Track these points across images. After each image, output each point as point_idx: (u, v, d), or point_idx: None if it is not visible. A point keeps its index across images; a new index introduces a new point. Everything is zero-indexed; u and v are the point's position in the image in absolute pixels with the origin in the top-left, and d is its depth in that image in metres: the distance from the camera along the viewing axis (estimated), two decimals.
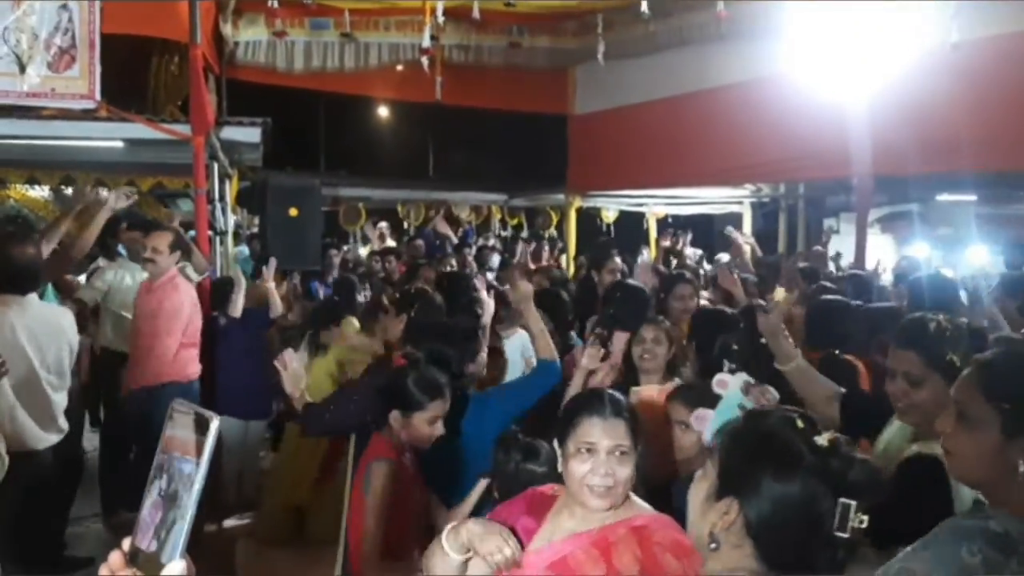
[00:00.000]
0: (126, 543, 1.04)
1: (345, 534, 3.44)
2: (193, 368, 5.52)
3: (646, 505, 2.19)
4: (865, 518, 1.42)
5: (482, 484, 3.00)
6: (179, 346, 5.41)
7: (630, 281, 5.10)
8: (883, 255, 8.86)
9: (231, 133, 7.01)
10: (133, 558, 1.02)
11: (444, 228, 11.53)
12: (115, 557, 1.02)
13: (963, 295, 5.04)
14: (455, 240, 11.53)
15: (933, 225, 10.86)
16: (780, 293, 6.13)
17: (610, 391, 2.31)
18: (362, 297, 7.08)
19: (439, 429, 3.12)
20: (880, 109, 7.00)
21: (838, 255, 9.46)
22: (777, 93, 7.70)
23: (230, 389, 5.98)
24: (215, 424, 1.01)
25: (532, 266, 9.57)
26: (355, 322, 5.94)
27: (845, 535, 1.41)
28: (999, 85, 6.49)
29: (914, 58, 6.73)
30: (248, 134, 7.11)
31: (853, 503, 1.42)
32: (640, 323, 3.82)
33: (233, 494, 6.21)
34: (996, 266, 8.64)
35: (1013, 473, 1.66)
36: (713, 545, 1.51)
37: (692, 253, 10.65)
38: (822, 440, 1.48)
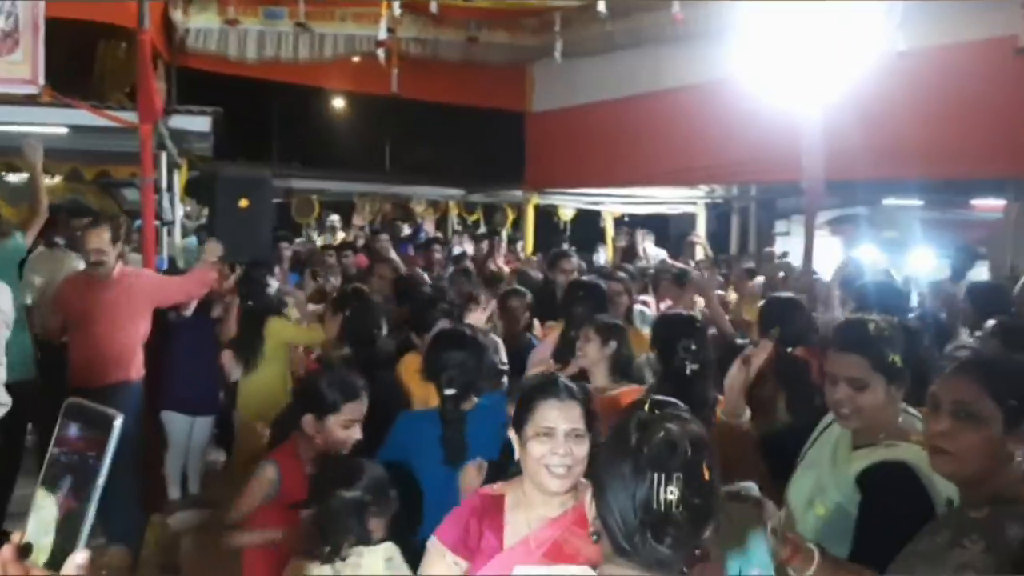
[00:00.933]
0: (16, 537, 1.04)
1: None
2: (141, 365, 5.40)
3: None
4: (676, 492, 1.45)
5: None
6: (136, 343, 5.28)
7: (587, 279, 5.11)
8: (832, 257, 8.99)
9: (180, 122, 6.89)
10: (25, 553, 1.03)
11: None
12: (5, 552, 1.03)
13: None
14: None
15: (880, 228, 11.07)
16: (732, 296, 6.22)
17: (563, 377, 2.33)
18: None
19: (356, 434, 3.05)
20: (831, 114, 7.09)
21: (784, 255, 9.62)
22: (731, 96, 7.77)
23: (177, 385, 5.90)
24: (118, 422, 1.01)
25: (502, 265, 9.44)
26: (288, 316, 5.88)
27: (660, 510, 1.45)
28: (945, 94, 6.63)
29: (864, 65, 6.83)
30: (198, 123, 6.99)
31: (661, 474, 1.46)
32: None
33: (179, 490, 6.12)
34: (941, 270, 8.81)
35: (1008, 463, 1.78)
36: (594, 538, 1.59)
37: (655, 254, 10.70)
38: (652, 415, 1.54)
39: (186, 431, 6.08)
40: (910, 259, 9.75)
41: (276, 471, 3.05)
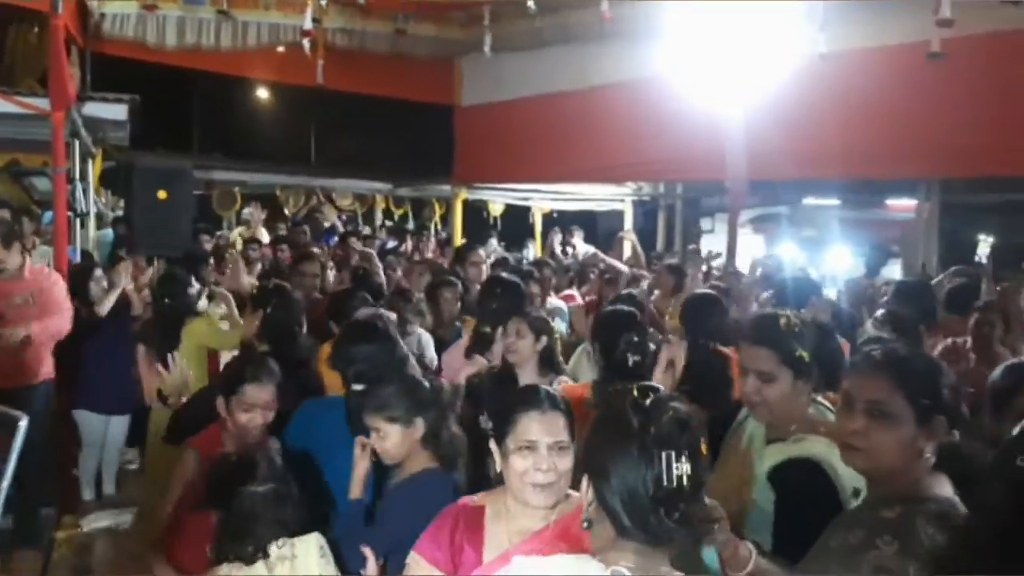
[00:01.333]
0: None
1: None
2: (51, 366, 5.19)
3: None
4: (689, 467, 1.50)
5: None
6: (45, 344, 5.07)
7: (504, 275, 5.10)
8: (754, 254, 9.19)
9: (95, 109, 6.69)
10: None
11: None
12: None
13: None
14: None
15: (800, 227, 11.36)
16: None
17: (544, 387, 2.30)
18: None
19: (257, 419, 2.99)
20: (754, 115, 7.25)
21: (710, 254, 9.79)
22: (657, 95, 7.87)
23: (91, 384, 5.71)
24: (23, 424, 0.96)
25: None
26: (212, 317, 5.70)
27: (672, 486, 1.49)
28: (862, 97, 6.82)
29: (786, 67, 6.99)
30: (113, 111, 6.80)
31: (671, 451, 1.51)
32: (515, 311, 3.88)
33: (92, 491, 5.94)
34: (857, 267, 9.08)
35: (919, 459, 1.83)
36: (585, 524, 1.61)
37: (584, 251, 10.76)
38: (647, 401, 1.58)
39: (100, 431, 5.90)
40: (828, 257, 10.03)
41: (196, 458, 3.00)
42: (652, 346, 3.47)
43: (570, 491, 2.16)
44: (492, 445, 2.21)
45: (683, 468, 1.50)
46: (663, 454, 1.51)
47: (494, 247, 10.78)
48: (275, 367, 3.11)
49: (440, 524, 2.19)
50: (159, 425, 5.34)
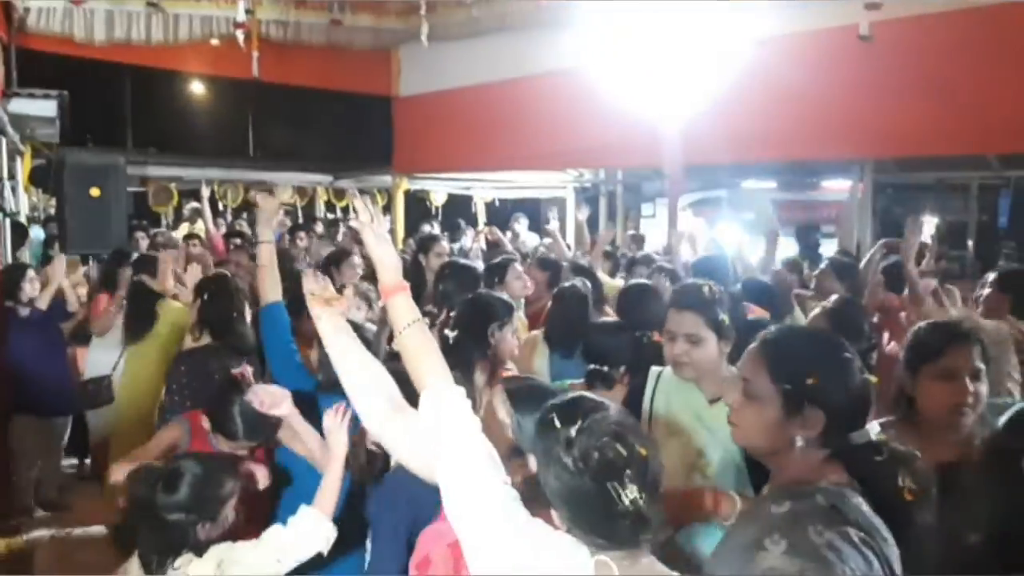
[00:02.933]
0: None
1: None
2: None
3: None
4: (635, 488, 1.55)
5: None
6: None
7: (460, 260, 5.13)
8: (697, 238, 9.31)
9: (22, 106, 6.52)
10: None
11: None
12: None
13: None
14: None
15: (739, 210, 11.53)
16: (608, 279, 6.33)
17: None
18: None
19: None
20: (689, 101, 7.34)
21: (639, 236, 9.95)
22: (595, 82, 7.91)
23: (29, 386, 5.56)
24: None
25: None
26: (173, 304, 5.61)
27: (629, 508, 1.55)
28: (795, 80, 6.94)
29: (722, 52, 7.09)
30: (42, 107, 6.63)
31: (615, 482, 1.55)
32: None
33: (32, 496, 5.80)
34: (791, 248, 9.25)
35: (791, 447, 1.77)
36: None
37: (528, 239, 10.77)
38: (573, 431, 1.62)
39: (41, 434, 5.77)
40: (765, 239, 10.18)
41: (187, 427, 3.05)
42: None
43: None
44: None
45: (632, 491, 1.55)
46: (610, 486, 1.55)
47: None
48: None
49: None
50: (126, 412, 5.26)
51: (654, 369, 2.95)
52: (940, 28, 6.40)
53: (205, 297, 4.19)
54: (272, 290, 3.43)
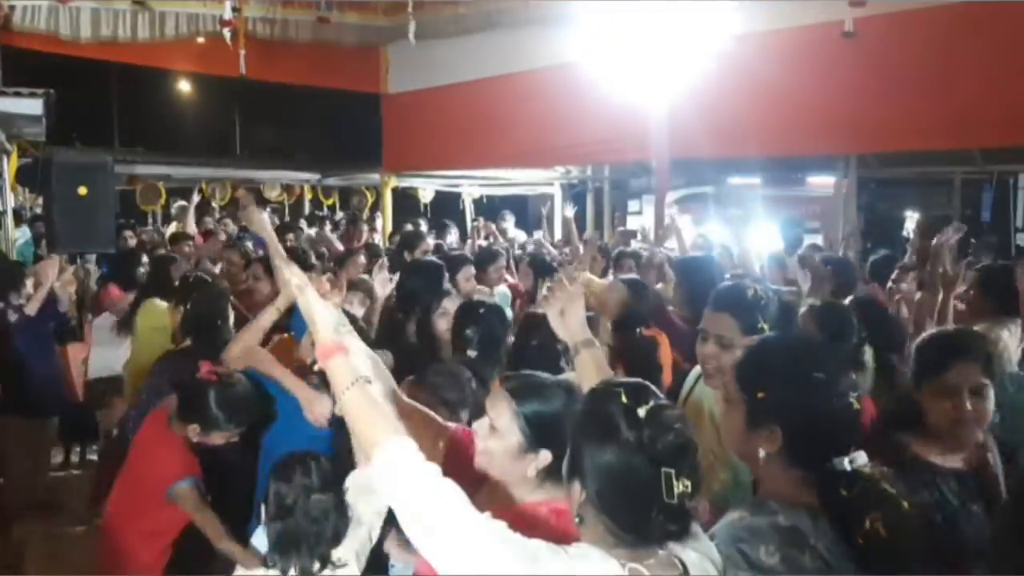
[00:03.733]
0: None
1: None
2: None
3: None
4: (690, 483, 1.50)
5: None
6: None
7: (428, 258, 5.16)
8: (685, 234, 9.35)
9: (8, 105, 6.49)
10: None
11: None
12: None
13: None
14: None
15: (725, 206, 11.57)
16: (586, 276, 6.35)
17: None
18: None
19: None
20: (675, 97, 7.38)
21: (629, 232, 9.95)
22: (582, 79, 7.95)
23: (18, 387, 5.55)
24: None
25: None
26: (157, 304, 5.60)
27: (673, 502, 1.49)
28: (779, 76, 6.99)
29: (705, 49, 7.13)
30: (28, 106, 6.59)
31: (672, 470, 1.50)
32: (435, 296, 3.95)
33: (22, 496, 5.78)
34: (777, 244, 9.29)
35: (759, 459, 1.75)
36: (577, 519, 1.59)
37: (515, 235, 10.77)
38: (642, 411, 1.54)
39: (30, 435, 5.76)
40: (752, 235, 10.21)
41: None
42: None
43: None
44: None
45: (684, 486, 1.50)
46: (665, 472, 1.50)
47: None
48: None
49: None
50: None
51: (696, 369, 2.83)
52: (923, 24, 6.46)
53: (187, 304, 4.17)
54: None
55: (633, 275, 5.01)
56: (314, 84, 11.22)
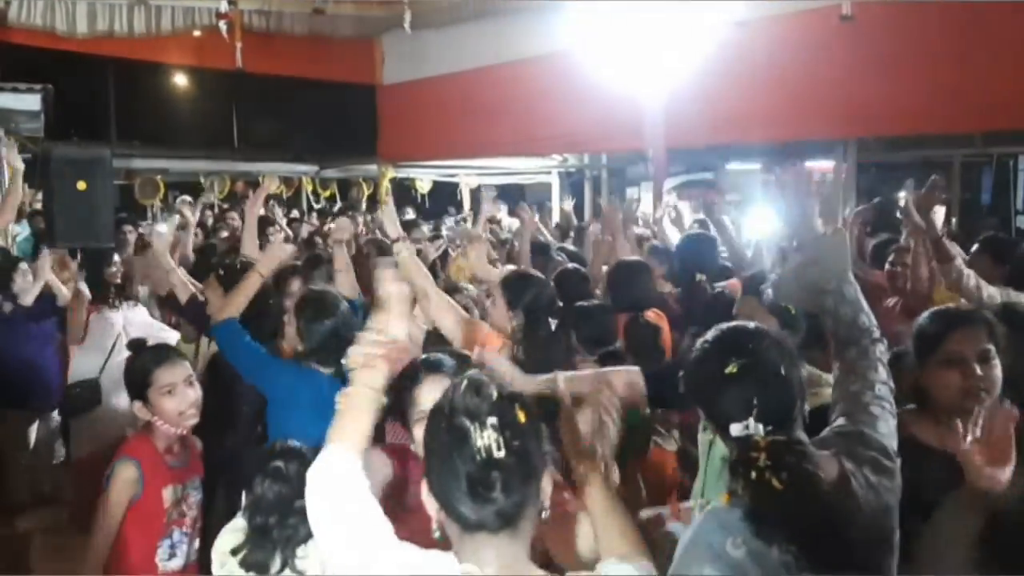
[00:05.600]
0: None
1: None
2: None
3: None
4: (492, 434, 1.43)
5: None
6: None
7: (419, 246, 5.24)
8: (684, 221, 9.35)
9: (6, 100, 6.50)
10: None
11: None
12: None
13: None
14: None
15: (725, 192, 11.57)
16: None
17: (425, 356, 2.34)
18: None
19: (188, 395, 2.87)
20: (670, 83, 7.37)
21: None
22: (577, 66, 7.94)
23: (16, 381, 5.56)
24: None
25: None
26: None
27: (482, 456, 1.42)
28: (778, 61, 6.99)
29: (700, 35, 7.12)
30: (26, 101, 6.61)
31: (475, 422, 1.44)
32: None
33: (25, 491, 5.80)
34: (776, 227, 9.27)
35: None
36: (436, 535, 1.53)
37: (510, 223, 10.77)
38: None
39: (28, 429, 5.78)
40: (753, 221, 10.22)
41: (137, 469, 2.80)
42: None
43: None
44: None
45: (489, 436, 1.43)
46: (467, 426, 1.44)
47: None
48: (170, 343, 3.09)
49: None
50: None
51: None
52: (921, 7, 6.44)
53: None
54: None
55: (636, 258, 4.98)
56: (310, 76, 11.20)
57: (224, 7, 7.61)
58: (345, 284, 3.98)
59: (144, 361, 2.92)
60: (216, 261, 5.73)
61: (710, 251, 5.01)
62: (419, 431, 2.05)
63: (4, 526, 5.43)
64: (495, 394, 1.48)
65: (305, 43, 9.62)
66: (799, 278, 2.09)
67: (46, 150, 7.17)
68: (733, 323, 1.90)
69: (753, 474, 1.54)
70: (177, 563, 2.89)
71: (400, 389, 2.16)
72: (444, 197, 13.98)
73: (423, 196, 13.94)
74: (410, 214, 11.33)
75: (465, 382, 1.52)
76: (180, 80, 18.04)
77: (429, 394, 2.10)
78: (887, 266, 4.81)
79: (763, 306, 2.77)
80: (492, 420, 1.44)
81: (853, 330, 2.01)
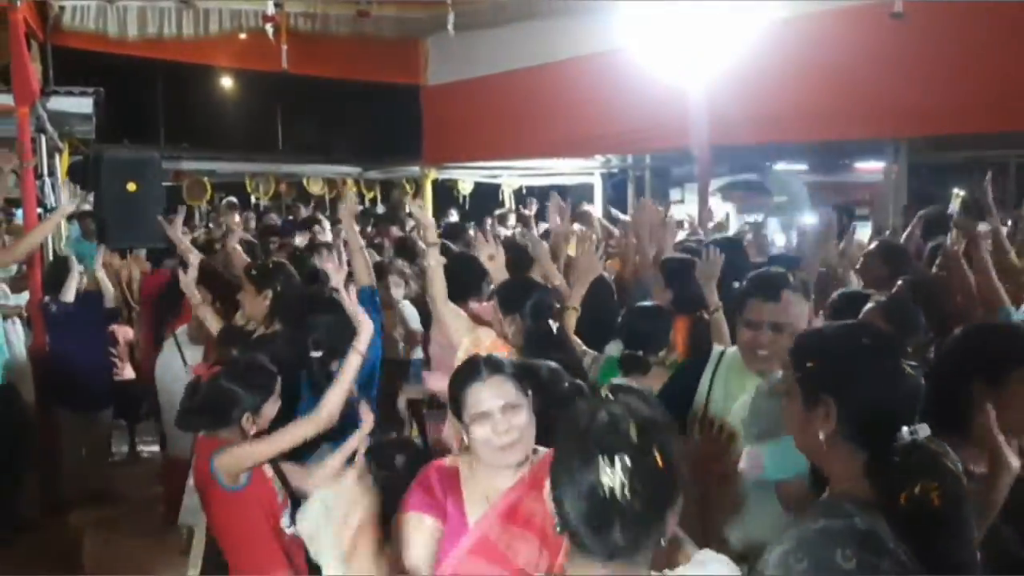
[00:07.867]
0: None
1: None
2: None
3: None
4: (620, 474, 1.37)
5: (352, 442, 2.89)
6: None
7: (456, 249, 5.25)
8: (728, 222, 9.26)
9: (60, 104, 6.61)
10: None
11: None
12: None
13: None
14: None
15: (770, 194, 11.43)
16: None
17: (487, 355, 2.33)
18: None
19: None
20: (717, 82, 7.30)
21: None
22: (622, 67, 7.90)
23: (67, 380, 5.66)
24: None
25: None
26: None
27: (604, 494, 1.38)
28: (825, 59, 6.88)
29: (747, 33, 7.04)
30: (79, 105, 6.72)
31: (605, 456, 1.38)
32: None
33: (77, 487, 5.91)
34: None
35: (821, 446, 1.66)
36: (558, 528, 1.50)
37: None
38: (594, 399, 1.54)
39: (82, 427, 5.88)
40: (800, 222, 10.07)
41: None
42: None
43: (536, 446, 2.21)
44: (452, 420, 2.27)
45: (617, 476, 1.36)
46: (598, 459, 1.38)
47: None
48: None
49: (424, 482, 2.22)
50: None
51: (717, 348, 2.86)
52: (972, 4, 6.30)
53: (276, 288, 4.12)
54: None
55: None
56: (354, 78, 11.27)
57: (271, 9, 7.69)
58: (361, 268, 3.92)
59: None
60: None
61: (737, 256, 4.89)
62: (477, 430, 2.13)
63: (56, 522, 5.54)
64: (634, 432, 1.41)
65: (349, 45, 9.67)
66: None
67: (98, 152, 7.31)
68: None
69: (917, 490, 1.49)
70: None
71: (459, 384, 2.20)
72: (486, 198, 13.98)
73: (465, 197, 13.97)
74: (453, 216, 11.35)
75: (605, 415, 1.44)
76: (226, 82, 18.30)
77: (489, 394, 2.14)
78: (934, 268, 4.71)
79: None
80: (625, 459, 1.38)
81: None
